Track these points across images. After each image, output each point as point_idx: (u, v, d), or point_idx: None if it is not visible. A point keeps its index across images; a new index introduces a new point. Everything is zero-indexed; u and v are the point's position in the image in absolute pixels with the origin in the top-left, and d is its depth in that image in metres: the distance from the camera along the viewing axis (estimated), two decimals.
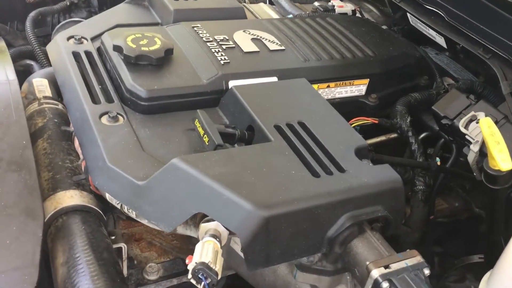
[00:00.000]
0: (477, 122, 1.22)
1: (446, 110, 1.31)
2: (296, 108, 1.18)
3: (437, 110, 1.33)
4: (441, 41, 1.52)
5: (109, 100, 1.19)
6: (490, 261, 1.25)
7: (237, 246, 1.21)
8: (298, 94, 1.24)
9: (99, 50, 1.36)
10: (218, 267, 0.87)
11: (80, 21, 1.67)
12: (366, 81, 1.46)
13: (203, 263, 0.86)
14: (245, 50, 1.37)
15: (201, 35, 1.39)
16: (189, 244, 1.38)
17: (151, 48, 1.24)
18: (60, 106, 1.37)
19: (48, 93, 1.39)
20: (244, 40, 1.41)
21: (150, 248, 1.35)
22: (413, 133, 1.41)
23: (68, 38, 1.38)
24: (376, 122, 1.41)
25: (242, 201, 0.92)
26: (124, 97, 1.20)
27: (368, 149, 1.12)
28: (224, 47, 1.36)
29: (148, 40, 1.27)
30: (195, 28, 1.42)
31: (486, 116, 1.22)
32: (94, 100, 1.18)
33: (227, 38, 1.40)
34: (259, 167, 1.00)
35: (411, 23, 1.63)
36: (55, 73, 1.34)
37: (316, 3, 2.00)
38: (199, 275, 0.85)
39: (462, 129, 1.23)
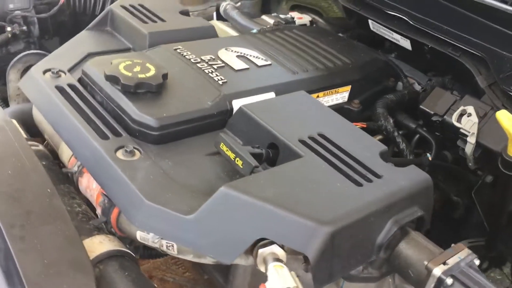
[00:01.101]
0: (468, 116, 1.31)
1: (435, 108, 1.38)
2: (310, 120, 1.19)
3: (426, 109, 1.40)
4: (406, 44, 1.61)
5: (116, 134, 1.11)
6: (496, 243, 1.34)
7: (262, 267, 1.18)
8: (305, 106, 1.24)
9: (81, 82, 1.26)
10: None
11: (40, 53, 1.54)
12: (348, 88, 1.51)
13: None
14: (235, 68, 1.34)
15: (187, 57, 1.35)
16: (203, 274, 1.33)
17: (147, 75, 1.18)
18: (40, 147, 1.26)
19: (23, 134, 1.26)
20: (230, 58, 1.38)
21: (164, 285, 1.28)
22: (398, 133, 1.48)
23: (44, 72, 1.27)
24: (365, 126, 1.46)
25: (305, 219, 0.90)
26: (131, 129, 1.12)
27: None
28: (215, 67, 1.33)
29: (140, 67, 1.20)
30: (178, 50, 1.37)
31: (474, 108, 1.31)
32: (102, 135, 1.09)
33: (213, 57, 1.37)
34: (305, 183, 0.99)
35: (372, 29, 1.70)
36: (40, 110, 1.22)
37: (265, 17, 2.04)
38: None
39: (456, 124, 1.31)
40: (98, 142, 1.07)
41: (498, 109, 1.31)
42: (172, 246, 1.00)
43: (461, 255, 0.98)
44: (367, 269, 1.07)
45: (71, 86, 1.23)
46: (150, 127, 1.11)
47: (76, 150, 1.11)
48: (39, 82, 1.23)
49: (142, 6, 1.58)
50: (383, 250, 1.02)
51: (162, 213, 0.95)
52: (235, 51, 1.42)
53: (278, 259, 0.92)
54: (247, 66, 1.36)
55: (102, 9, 1.86)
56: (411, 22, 1.53)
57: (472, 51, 1.41)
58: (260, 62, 1.40)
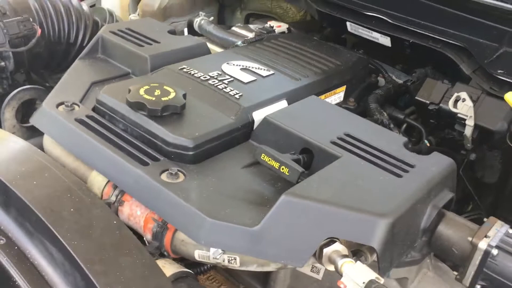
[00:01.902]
0: (463, 101, 1.42)
1: (430, 97, 1.48)
2: (332, 122, 1.25)
3: (421, 99, 1.50)
4: (385, 41, 1.71)
5: (154, 158, 1.12)
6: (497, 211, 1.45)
7: (306, 268, 1.23)
8: (321, 110, 1.30)
9: (96, 111, 1.25)
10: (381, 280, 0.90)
11: (34, 88, 1.50)
12: (344, 88, 1.59)
13: (372, 281, 0.88)
14: (244, 81, 1.38)
15: (195, 75, 1.37)
16: (239, 285, 1.35)
17: (170, 97, 1.19)
18: None
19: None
20: (235, 72, 1.42)
21: None
22: (394, 125, 1.57)
23: (58, 105, 1.24)
24: None
25: (367, 214, 0.96)
26: (166, 152, 1.13)
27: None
28: (226, 82, 1.36)
29: (160, 90, 1.21)
30: (184, 70, 1.39)
31: (467, 93, 1.42)
32: (141, 162, 1.10)
33: (220, 73, 1.40)
34: (353, 181, 1.05)
35: (350, 30, 1.79)
36: (62, 144, 1.20)
37: (236, 28, 2.08)
38: None
39: (453, 110, 1.42)
40: (141, 169, 1.07)
41: (488, 92, 1.43)
42: (235, 259, 1.02)
43: (497, 227, 1.07)
44: (410, 253, 1.14)
45: (90, 117, 1.22)
46: (186, 148, 1.13)
47: (117, 179, 1.11)
48: (56, 117, 1.21)
49: (130, 30, 1.58)
50: (426, 233, 1.10)
51: (227, 228, 0.97)
52: (238, 65, 1.46)
53: (344, 255, 0.97)
54: (254, 78, 1.40)
55: (77, 36, 1.82)
56: (391, 21, 1.63)
57: (453, 42, 1.52)
58: (264, 73, 1.44)
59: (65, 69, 1.85)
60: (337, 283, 0.92)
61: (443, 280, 1.22)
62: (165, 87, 1.23)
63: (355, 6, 1.71)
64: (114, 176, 1.11)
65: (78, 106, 1.26)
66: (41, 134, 1.44)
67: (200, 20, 1.96)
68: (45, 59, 1.80)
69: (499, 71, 1.42)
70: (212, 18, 2.04)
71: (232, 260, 1.02)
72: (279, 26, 1.84)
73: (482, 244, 1.04)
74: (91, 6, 2.12)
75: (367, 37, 1.75)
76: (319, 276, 1.23)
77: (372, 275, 0.89)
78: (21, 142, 1.08)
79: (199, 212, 0.98)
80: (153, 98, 1.18)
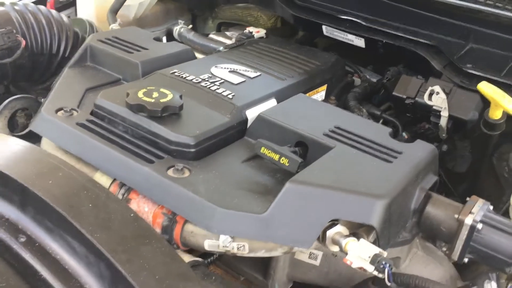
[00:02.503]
0: (437, 94, 1.53)
1: (406, 92, 1.59)
2: (321, 116, 1.33)
3: (398, 95, 1.60)
4: (360, 42, 1.81)
5: (158, 157, 1.17)
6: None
7: (303, 255, 1.30)
8: (310, 106, 1.38)
9: (95, 115, 1.29)
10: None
11: (24, 97, 1.53)
12: (325, 87, 1.68)
13: (376, 255, 0.95)
14: (234, 82, 1.45)
15: (187, 78, 1.43)
16: (239, 276, 1.41)
17: (168, 99, 1.24)
18: None
19: None
20: (224, 74, 1.49)
21: None
22: (373, 121, 1.67)
23: (57, 111, 1.28)
24: None
25: (367, 196, 1.05)
26: (168, 150, 1.18)
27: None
28: (217, 83, 1.42)
29: (157, 93, 1.26)
30: (176, 73, 1.45)
31: (440, 87, 1.53)
32: (147, 160, 1.14)
33: (210, 76, 1.46)
34: (349, 167, 1.13)
35: (325, 33, 1.88)
36: (65, 148, 1.23)
37: (213, 36, 2.15)
38: (382, 265, 0.94)
39: (428, 102, 1.53)
40: (148, 166, 1.12)
41: (459, 85, 1.55)
42: (243, 246, 1.08)
43: (479, 204, 1.17)
44: (402, 234, 1.23)
45: (90, 121, 1.26)
46: (188, 145, 1.18)
47: (124, 178, 1.15)
48: (57, 122, 1.25)
49: (117, 38, 1.62)
50: (415, 214, 1.19)
51: (237, 216, 1.03)
52: (226, 68, 1.52)
53: (347, 235, 1.04)
54: (243, 79, 1.47)
55: (59, 47, 1.85)
56: (364, 24, 1.74)
57: (423, 41, 1.64)
58: (251, 75, 1.51)
59: (47, 80, 1.90)
60: (343, 261, 1.00)
61: (432, 258, 1.32)
62: (161, 89, 1.28)
63: (331, 11, 1.81)
64: (121, 175, 1.15)
65: (77, 111, 1.29)
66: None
67: (180, 28, 2.02)
68: (28, 70, 1.82)
69: (467, 65, 1.54)
70: (191, 26, 2.10)
71: (241, 247, 1.08)
72: (257, 32, 1.92)
73: (468, 220, 1.13)
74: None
75: (342, 39, 1.85)
76: (317, 262, 1.30)
77: (376, 249, 0.97)
78: (29, 145, 1.11)
79: (210, 203, 1.04)
80: (152, 100, 1.23)
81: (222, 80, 1.45)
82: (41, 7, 1.90)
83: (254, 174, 1.19)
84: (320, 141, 1.21)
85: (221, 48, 1.82)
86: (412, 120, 1.75)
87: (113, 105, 1.26)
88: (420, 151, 1.23)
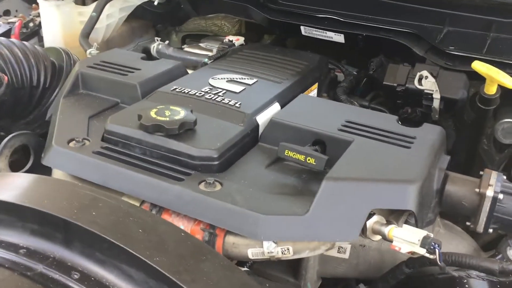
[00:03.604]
0: (426, 78, 1.60)
1: (396, 80, 1.65)
2: (330, 113, 1.36)
3: (389, 83, 1.66)
4: (339, 38, 1.86)
5: (185, 173, 1.16)
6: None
7: (332, 250, 1.33)
8: (316, 104, 1.42)
9: (107, 142, 1.27)
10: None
11: (23, 134, 1.48)
12: (316, 85, 1.72)
13: (426, 237, 0.99)
14: (236, 91, 1.46)
15: (190, 93, 1.43)
16: (265, 283, 1.42)
17: (182, 115, 1.24)
18: None
19: None
20: (223, 84, 1.49)
21: None
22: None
23: (68, 142, 1.25)
24: None
25: (402, 182, 1.08)
26: (193, 166, 1.18)
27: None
28: (220, 94, 1.43)
29: (169, 111, 1.26)
30: (177, 90, 1.44)
31: (427, 71, 1.60)
32: (176, 179, 1.14)
33: (210, 88, 1.47)
34: (374, 158, 1.17)
35: (304, 33, 1.92)
36: (87, 178, 1.20)
37: (188, 48, 2.15)
38: (432, 246, 0.98)
39: (419, 87, 1.59)
40: (179, 184, 1.12)
41: (444, 67, 1.62)
42: (288, 249, 1.10)
43: (494, 176, 1.24)
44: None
45: (106, 148, 1.24)
46: (212, 158, 1.19)
47: (156, 199, 1.13)
48: (73, 153, 1.22)
49: (105, 62, 1.60)
50: (438, 194, 1.24)
51: (280, 220, 1.05)
52: (222, 78, 1.53)
53: (385, 224, 1.08)
54: (243, 87, 1.48)
55: (38, 79, 1.80)
56: (342, 20, 1.79)
57: (403, 30, 1.71)
58: (249, 82, 1.53)
59: (29, 114, 1.85)
60: (390, 247, 1.03)
61: (454, 234, 1.38)
62: (171, 107, 1.28)
63: (308, 11, 1.85)
64: (152, 196, 1.14)
65: (88, 140, 1.27)
66: None
67: (157, 45, 2.01)
68: (10, 106, 1.76)
69: (450, 48, 1.62)
70: (167, 42, 2.09)
71: (285, 250, 1.09)
72: (237, 40, 1.94)
73: (489, 192, 1.20)
74: None
75: (321, 37, 1.90)
76: (346, 255, 1.33)
77: (423, 232, 1.01)
78: (56, 180, 1.09)
79: (251, 211, 1.05)
80: (167, 119, 1.22)
81: (224, 91, 1.46)
82: (13, 39, 1.85)
83: (280, 177, 1.20)
84: (338, 136, 1.24)
85: (206, 60, 1.82)
86: (395, 106, 1.82)
87: (126, 129, 1.25)
88: (430, 133, 1.29)
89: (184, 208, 1.11)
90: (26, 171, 1.48)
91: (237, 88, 1.48)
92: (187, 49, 2.15)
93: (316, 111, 1.37)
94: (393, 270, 1.26)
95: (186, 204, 1.11)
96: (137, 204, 1.19)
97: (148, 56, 2.09)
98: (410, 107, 1.72)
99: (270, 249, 1.09)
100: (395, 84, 1.65)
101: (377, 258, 1.33)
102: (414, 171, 1.12)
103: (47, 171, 1.42)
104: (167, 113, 1.25)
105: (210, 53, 1.94)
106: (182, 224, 1.15)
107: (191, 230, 1.14)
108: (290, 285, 1.36)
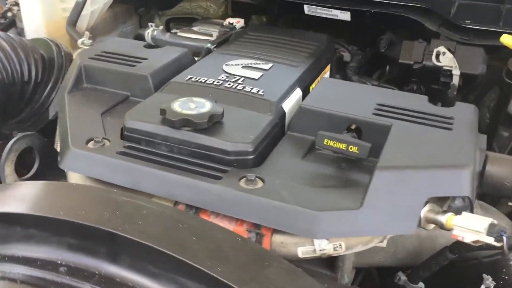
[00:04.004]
0: (443, 55, 1.55)
1: (412, 58, 1.60)
2: (359, 96, 1.30)
3: (405, 61, 1.61)
4: (345, 16, 1.79)
5: (221, 171, 1.08)
6: None
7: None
8: (341, 88, 1.35)
9: (129, 139, 1.18)
10: None
11: (27, 135, 1.36)
12: (329, 66, 1.65)
13: (492, 224, 0.95)
14: (255, 77, 1.38)
15: (207, 82, 1.34)
16: None
17: (208, 108, 1.16)
18: None
19: None
20: (239, 71, 1.41)
21: None
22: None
23: (87, 142, 1.15)
24: None
25: (456, 168, 1.04)
26: (227, 161, 1.11)
27: None
28: (239, 82, 1.34)
29: (193, 103, 1.17)
30: (192, 80, 1.35)
31: (445, 47, 1.56)
32: (214, 177, 1.06)
33: (227, 75, 1.38)
34: (419, 142, 1.11)
35: (307, 12, 1.84)
36: (113, 181, 1.10)
37: (181, 33, 2.04)
38: (499, 234, 0.94)
39: (438, 64, 1.54)
40: (219, 183, 1.04)
41: (460, 42, 1.58)
42: (340, 245, 1.04)
43: None
44: None
45: (129, 147, 1.15)
46: (247, 153, 1.11)
47: (193, 200, 1.05)
48: (94, 156, 1.12)
49: (107, 52, 1.48)
50: (478, 176, 1.20)
51: (336, 216, 0.98)
52: (236, 64, 1.45)
53: (440, 212, 1.03)
54: (261, 73, 1.40)
55: (30, 73, 1.66)
56: None
57: (413, 4, 1.65)
58: (265, 67, 1.44)
59: (21, 112, 1.71)
60: (451, 237, 0.99)
61: (491, 215, 1.34)
62: (194, 99, 1.19)
63: None
64: (188, 197, 1.06)
65: (108, 140, 1.17)
66: None
67: (152, 31, 1.90)
68: (1, 104, 1.63)
69: (466, 21, 1.57)
70: (161, 27, 1.97)
71: (337, 246, 1.04)
72: (238, 22, 1.84)
73: None
74: None
75: (326, 16, 1.83)
76: (384, 244, 1.28)
77: (488, 219, 0.96)
78: (89, 187, 0.99)
79: (304, 208, 0.98)
80: (194, 112, 1.14)
81: (242, 78, 1.37)
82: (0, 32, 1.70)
83: (320, 168, 1.14)
84: (375, 121, 1.18)
85: (208, 45, 1.72)
86: (402, 84, 1.77)
87: (149, 125, 1.16)
88: (466, 113, 1.25)
89: (227, 208, 1.04)
90: (33, 175, 1.37)
91: (255, 74, 1.40)
92: (180, 34, 2.03)
93: (344, 95, 1.31)
94: (436, 256, 1.22)
95: (229, 204, 1.03)
96: (171, 205, 1.11)
97: None
98: (420, 84, 1.68)
99: (322, 246, 1.03)
100: (412, 62, 1.60)
101: (415, 245, 1.29)
102: (464, 155, 1.08)
103: (55, 174, 1.32)
104: (192, 105, 1.16)
105: (210, 38, 1.84)
106: (223, 225, 1.07)
107: (233, 230, 1.07)
108: (327, 279, 1.31)
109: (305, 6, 1.82)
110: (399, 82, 1.74)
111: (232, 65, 1.44)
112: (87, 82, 1.42)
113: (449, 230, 1.00)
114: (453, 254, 1.18)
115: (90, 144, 1.15)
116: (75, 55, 1.49)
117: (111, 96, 1.37)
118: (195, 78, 1.35)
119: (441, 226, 1.02)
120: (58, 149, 1.22)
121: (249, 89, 1.31)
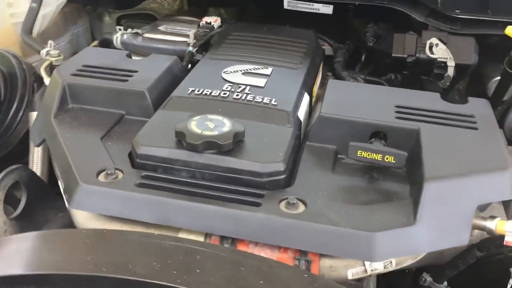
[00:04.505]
0: (436, 46, 1.53)
1: (405, 51, 1.56)
2: (375, 99, 1.24)
3: (398, 55, 1.57)
4: (327, 10, 1.73)
5: (258, 196, 1.00)
6: None
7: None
8: (352, 90, 1.29)
9: (144, 168, 1.06)
10: None
11: (19, 168, 1.20)
12: (322, 63, 1.59)
13: None
14: (260, 85, 1.29)
15: (212, 94, 1.23)
16: None
17: (229, 126, 1.06)
18: None
19: None
20: (240, 78, 1.31)
21: None
22: None
23: (97, 175, 1.03)
24: None
25: (499, 171, 1.01)
26: (259, 184, 1.02)
27: None
28: (246, 91, 1.25)
29: (210, 122, 1.07)
30: (195, 92, 1.24)
31: (438, 38, 1.54)
32: (252, 204, 0.97)
33: (231, 85, 1.28)
34: (452, 146, 1.08)
35: (287, 7, 1.76)
36: (134, 217, 0.99)
37: (149, 35, 1.89)
38: None
39: (432, 56, 1.52)
40: (260, 211, 0.96)
41: (450, 32, 1.56)
42: (390, 262, 0.99)
43: None
44: None
45: (147, 177, 1.03)
46: (279, 172, 1.03)
47: (231, 231, 0.96)
48: (110, 191, 0.99)
49: (90, 66, 1.34)
50: None
51: (393, 236, 0.93)
52: (235, 71, 1.35)
53: (488, 218, 1.01)
54: (265, 80, 1.31)
55: (12, 88, 1.49)
56: None
57: None
58: (265, 72, 1.36)
59: None
60: (505, 244, 0.97)
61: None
62: (210, 116, 1.09)
63: None
64: (227, 229, 0.96)
65: (121, 170, 1.05)
66: (32, 226, 1.21)
67: (121, 35, 1.74)
68: None
69: (456, 11, 1.56)
70: (134, 30, 1.80)
71: (388, 264, 0.99)
72: (216, 21, 1.73)
73: None
74: None
75: (307, 10, 1.75)
76: None
77: None
78: (118, 232, 0.88)
79: (359, 231, 0.92)
80: (216, 132, 1.04)
81: (247, 87, 1.28)
82: None
83: (353, 180, 1.08)
84: (401, 126, 1.14)
85: (190, 48, 1.60)
86: (375, 73, 1.74)
87: (165, 150, 1.05)
88: (481, 108, 1.23)
89: (272, 237, 0.96)
90: (22, 212, 1.21)
91: (259, 81, 1.31)
92: (146, 35, 1.88)
93: (358, 98, 1.25)
94: (463, 255, 1.21)
95: (274, 233, 0.95)
96: (201, 238, 1.01)
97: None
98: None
99: (373, 266, 0.98)
100: (405, 56, 1.56)
101: None
102: (501, 157, 1.05)
103: (44, 207, 1.20)
104: (210, 125, 1.06)
105: (187, 40, 1.71)
106: (265, 254, 0.99)
107: (277, 259, 0.99)
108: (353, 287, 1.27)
109: (285, 1, 1.74)
110: (377, 73, 1.72)
111: (231, 72, 1.34)
112: (72, 102, 1.27)
113: (498, 235, 0.98)
114: (481, 252, 1.17)
115: (101, 177, 1.03)
116: (54, 71, 1.32)
117: (105, 117, 1.24)
118: (198, 91, 1.25)
119: (490, 232, 1.00)
120: (61, 186, 1.08)
121: (260, 100, 1.22)
